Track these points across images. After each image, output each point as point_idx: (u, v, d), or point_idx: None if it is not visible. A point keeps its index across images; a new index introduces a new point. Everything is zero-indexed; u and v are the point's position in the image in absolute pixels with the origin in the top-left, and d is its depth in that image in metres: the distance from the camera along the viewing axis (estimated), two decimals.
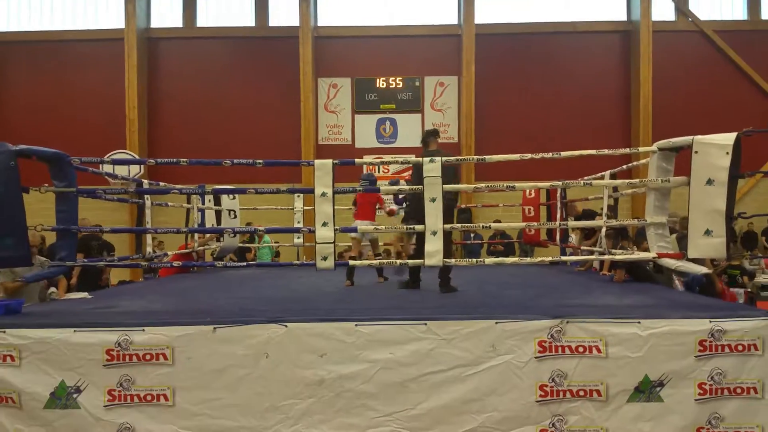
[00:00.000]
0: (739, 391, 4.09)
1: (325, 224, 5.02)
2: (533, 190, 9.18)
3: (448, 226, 5.09)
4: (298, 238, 10.96)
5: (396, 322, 4.34)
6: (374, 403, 4.25)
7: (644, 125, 16.23)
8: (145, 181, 7.59)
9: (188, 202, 8.80)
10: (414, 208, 5.98)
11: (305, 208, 10.45)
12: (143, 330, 4.29)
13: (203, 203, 9.04)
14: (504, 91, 16.97)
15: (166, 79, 17.27)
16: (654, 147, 5.04)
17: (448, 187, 5.17)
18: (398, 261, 6.03)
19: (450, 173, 5.86)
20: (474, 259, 5.29)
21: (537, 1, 17.31)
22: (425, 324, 4.30)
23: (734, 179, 4.31)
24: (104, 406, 4.25)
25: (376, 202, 7.09)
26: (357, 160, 5.62)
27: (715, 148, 4.42)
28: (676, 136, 4.93)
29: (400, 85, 17.23)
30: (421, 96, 17.25)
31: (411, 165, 5.74)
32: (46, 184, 5.07)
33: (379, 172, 16.86)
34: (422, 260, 5.01)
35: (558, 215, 8.66)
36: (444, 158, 5.05)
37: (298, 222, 10.58)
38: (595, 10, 17.20)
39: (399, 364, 4.26)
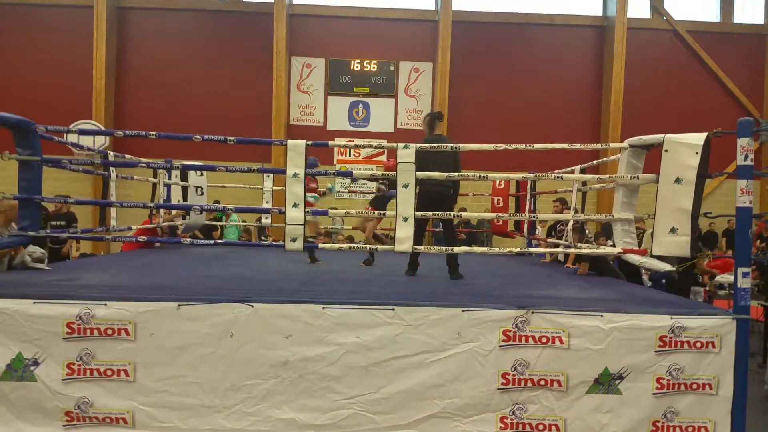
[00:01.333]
0: (695, 386, 4.20)
1: (295, 205, 4.97)
2: (503, 181, 9.26)
3: (422, 214, 5.08)
4: (266, 218, 10.86)
5: (364, 306, 4.33)
6: (338, 386, 4.26)
7: (614, 120, 16.51)
8: (111, 153, 7.39)
9: (154, 176, 8.62)
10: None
11: (275, 188, 10.34)
12: (105, 304, 4.20)
13: (170, 178, 8.87)
14: (478, 79, 17.03)
15: (136, 51, 16.86)
16: (625, 143, 5.11)
17: (435, 175, 5.17)
18: (367, 246, 6.01)
19: (450, 161, 5.79)
20: (443, 247, 5.30)
21: None
22: (393, 309, 4.31)
23: (702, 179, 4.39)
24: (62, 380, 4.16)
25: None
26: (330, 142, 5.57)
27: (685, 147, 4.49)
28: (644, 133, 5.00)
29: (375, 69, 17.14)
30: (395, 81, 17.20)
31: (383, 150, 5.72)
32: (8, 151, 4.90)
33: (350, 156, 16.81)
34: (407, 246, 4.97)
35: (527, 207, 8.76)
36: (448, 145, 5.02)
37: (267, 202, 10.45)
38: (572, 3, 17.33)
39: (364, 348, 4.26)
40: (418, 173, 4.94)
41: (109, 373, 4.18)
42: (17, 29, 16.49)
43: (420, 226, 5.99)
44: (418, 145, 5.00)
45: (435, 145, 5.55)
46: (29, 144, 4.88)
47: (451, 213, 5.75)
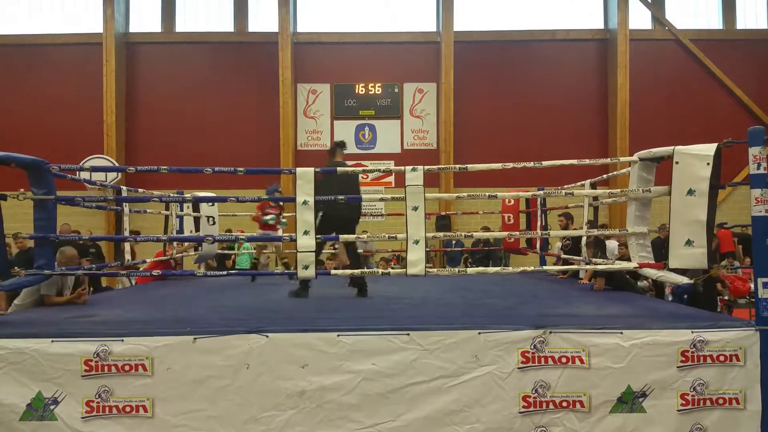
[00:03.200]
0: (721, 401, 4.12)
1: (306, 233, 4.98)
2: (513, 198, 9.24)
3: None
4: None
5: (378, 332, 4.30)
6: (356, 415, 4.21)
7: (621, 133, 16.47)
8: (124, 188, 7.47)
9: (167, 208, 8.69)
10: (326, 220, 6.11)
11: (286, 214, 10.36)
12: (122, 340, 4.21)
13: (181, 210, 8.93)
14: (482, 97, 17.09)
15: (145, 84, 17.09)
16: (635, 157, 5.08)
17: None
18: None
19: (347, 185, 6.15)
20: (457, 269, 5.27)
21: (516, 8, 17.49)
22: (408, 334, 4.28)
23: (715, 189, 4.36)
24: (82, 418, 4.15)
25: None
26: (339, 168, 5.59)
27: (696, 158, 4.46)
28: (652, 144, 4.98)
29: (380, 92, 17.26)
30: (400, 102, 17.30)
31: (390, 172, 5.76)
32: (23, 189, 4.96)
33: (358, 179, 16.85)
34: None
35: (538, 223, 8.72)
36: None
37: (278, 229, 10.48)
38: (573, 17, 17.42)
39: (381, 374, 4.22)
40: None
41: (127, 409, 4.17)
42: (28, 68, 16.78)
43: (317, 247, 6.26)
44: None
45: (443, 167, 5.56)
46: (44, 183, 4.94)
47: (454, 234, 5.72)
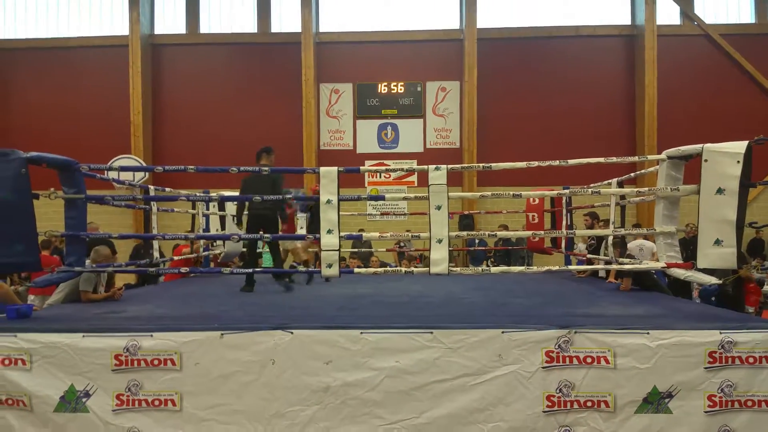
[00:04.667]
0: (750, 403, 4.06)
1: (330, 231, 5.02)
2: (537, 197, 9.17)
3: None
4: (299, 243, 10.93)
5: (401, 330, 4.33)
6: (380, 411, 4.24)
7: (649, 130, 16.22)
8: (152, 187, 7.60)
9: (193, 207, 8.81)
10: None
11: (306, 214, 10.44)
12: (151, 335, 4.30)
13: (207, 209, 9.05)
14: (506, 95, 16.97)
15: (170, 85, 17.32)
16: (663, 155, 5.02)
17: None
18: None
19: (268, 186, 6.47)
20: (480, 268, 5.27)
21: (539, 5, 17.32)
22: (431, 332, 4.30)
23: (745, 188, 4.29)
24: (113, 411, 4.26)
25: None
26: (362, 167, 5.63)
27: (725, 156, 4.40)
28: (681, 143, 4.91)
29: (402, 90, 17.24)
30: (422, 101, 17.26)
31: (413, 172, 5.80)
32: (53, 189, 5.08)
33: (380, 177, 16.89)
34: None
35: (564, 222, 8.65)
36: (267, 169, 5.54)
37: (301, 228, 10.57)
38: (598, 14, 17.20)
39: (404, 372, 4.25)
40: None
41: (156, 403, 4.26)
42: (56, 72, 17.10)
43: (251, 246, 7.07)
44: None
45: (466, 166, 5.57)
46: (74, 182, 5.06)
47: (478, 233, 5.70)
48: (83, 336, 4.31)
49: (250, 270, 6.01)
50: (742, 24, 17.08)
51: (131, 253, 10.17)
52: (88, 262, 5.58)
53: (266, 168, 5.34)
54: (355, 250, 10.89)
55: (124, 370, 4.27)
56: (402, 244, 12.19)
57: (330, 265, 4.97)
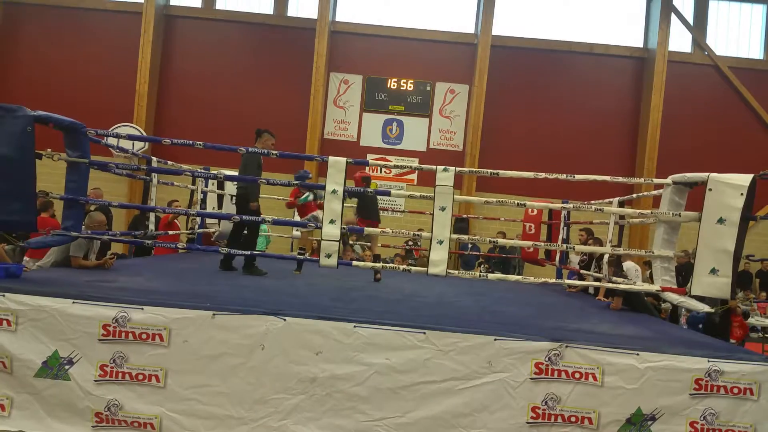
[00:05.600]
0: None
1: (332, 221, 5.02)
2: (536, 208, 9.19)
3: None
4: (296, 230, 10.93)
5: (395, 327, 4.32)
6: (364, 407, 4.24)
7: (650, 154, 16.28)
8: (154, 159, 7.55)
9: (193, 183, 8.77)
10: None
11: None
12: (142, 309, 4.27)
13: (206, 186, 9.01)
14: (514, 104, 16.99)
15: (179, 58, 17.20)
16: (668, 180, 5.04)
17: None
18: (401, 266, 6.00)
19: (254, 165, 6.62)
20: (477, 273, 5.27)
21: (556, 19, 17.32)
22: (424, 333, 4.30)
23: (745, 221, 4.32)
24: (95, 381, 4.22)
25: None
26: (370, 161, 5.60)
27: (729, 187, 4.42)
28: (679, 169, 4.93)
29: (411, 88, 17.21)
30: (430, 101, 17.24)
31: (416, 170, 5.79)
32: (49, 150, 5.03)
33: (381, 172, 16.87)
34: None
35: (560, 236, 8.68)
36: (276, 153, 5.52)
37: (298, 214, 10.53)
38: (613, 33, 17.22)
39: (393, 370, 4.25)
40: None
41: (140, 377, 4.24)
42: (66, 32, 16.95)
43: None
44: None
45: (474, 170, 5.54)
46: (79, 146, 5.01)
47: (475, 237, 5.70)
48: (73, 302, 4.26)
49: (247, 252, 5.95)
50: (752, 59, 17.18)
51: (129, 223, 10.09)
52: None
53: (275, 152, 5.31)
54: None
55: (111, 341, 4.24)
56: (410, 243, 12.22)
57: (329, 255, 4.95)
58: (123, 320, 4.25)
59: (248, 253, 6.01)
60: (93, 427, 4.21)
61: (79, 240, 5.43)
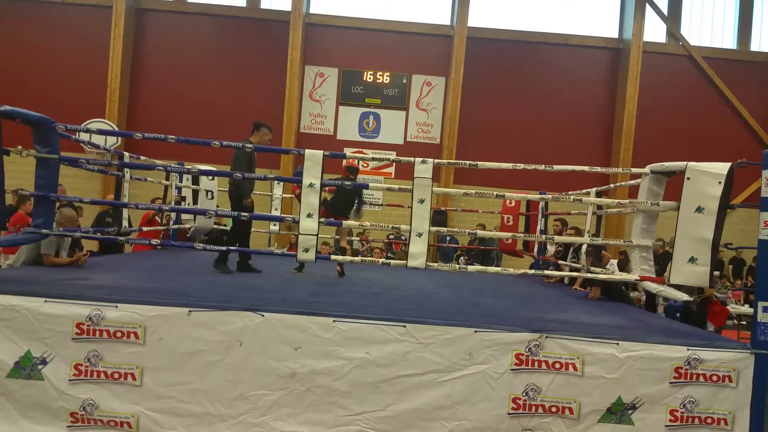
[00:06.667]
0: (709, 421, 4.14)
1: (309, 215, 4.96)
2: (514, 200, 9.21)
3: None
4: (274, 225, 10.82)
5: (374, 321, 4.29)
6: (345, 401, 4.20)
7: (625, 144, 16.44)
8: (126, 154, 7.39)
9: (167, 178, 8.62)
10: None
11: (284, 195, 10.33)
12: (116, 306, 4.17)
13: (181, 181, 8.87)
14: (490, 95, 17.02)
15: (151, 52, 16.91)
16: (647, 169, 5.06)
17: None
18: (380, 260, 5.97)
19: (244, 161, 6.46)
20: (457, 265, 5.26)
21: (531, 10, 17.37)
22: (404, 326, 4.26)
23: (724, 209, 4.35)
24: (69, 380, 4.13)
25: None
26: (348, 153, 5.55)
27: (707, 176, 4.44)
28: (655, 159, 4.95)
29: (387, 81, 17.14)
30: (407, 93, 17.18)
31: (394, 162, 5.74)
32: (20, 146, 4.88)
33: (358, 165, 16.75)
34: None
35: (538, 227, 8.71)
36: (251, 147, 5.59)
37: (276, 209, 10.44)
38: (588, 25, 17.32)
39: (374, 364, 4.22)
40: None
41: (116, 376, 4.15)
42: (37, 26, 16.55)
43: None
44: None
45: (452, 162, 5.51)
46: (48, 142, 4.87)
47: (455, 230, 5.69)
48: (45, 301, 4.15)
49: (224, 248, 5.84)
50: (725, 49, 17.41)
51: (94, 220, 9.88)
52: None
53: (250, 146, 5.22)
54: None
55: (85, 339, 4.14)
56: (392, 236, 12.17)
57: (307, 250, 4.89)
58: (97, 318, 4.15)
59: (224, 249, 5.90)
60: (68, 427, 4.12)
61: (50, 237, 5.30)
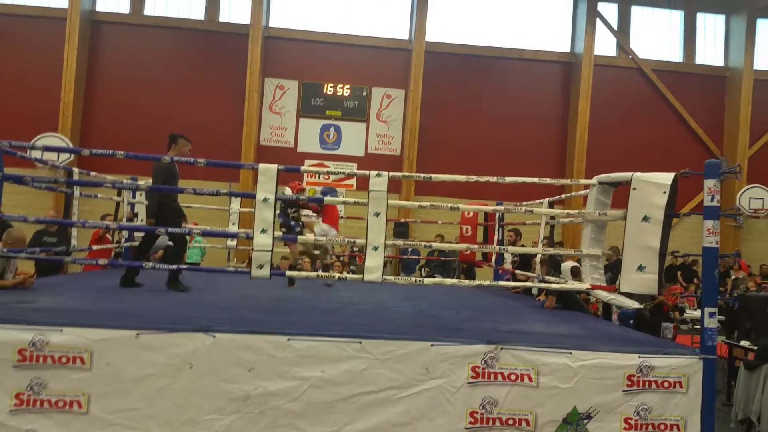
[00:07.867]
0: (662, 427, 4.19)
1: (264, 231, 4.87)
2: (472, 211, 9.27)
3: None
4: (232, 240, 10.66)
5: (330, 338, 4.22)
6: (300, 423, 4.11)
7: (579, 155, 16.82)
8: (76, 170, 7.17)
9: (119, 194, 8.41)
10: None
11: (242, 209, 10.19)
12: (61, 330, 4.00)
13: (134, 197, 8.66)
14: (448, 108, 17.21)
15: (107, 65, 16.59)
16: (594, 180, 5.15)
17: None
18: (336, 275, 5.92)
19: (161, 177, 6.09)
20: (413, 278, 5.24)
21: (487, 25, 17.66)
22: (360, 342, 4.20)
23: (669, 218, 4.45)
24: (9, 411, 3.93)
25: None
26: (302, 167, 5.50)
27: (652, 186, 4.54)
28: (608, 169, 5.05)
29: (348, 93, 17.17)
30: (367, 106, 17.25)
31: (353, 175, 5.70)
32: None
33: (320, 178, 16.72)
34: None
35: (495, 237, 8.79)
36: (203, 161, 5.17)
37: (233, 224, 10.28)
38: (542, 39, 17.70)
39: (329, 383, 4.14)
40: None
41: (61, 404, 3.97)
42: None
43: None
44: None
45: (408, 175, 5.51)
46: None
47: (413, 242, 5.69)
48: None
49: (175, 267, 5.71)
50: (672, 62, 18.04)
51: (30, 238, 9.53)
52: None
53: (201, 160, 5.12)
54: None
55: (28, 366, 3.96)
56: (356, 249, 12.05)
57: (261, 266, 4.80)
58: (41, 344, 3.98)
59: (175, 267, 5.75)
60: None
61: None
